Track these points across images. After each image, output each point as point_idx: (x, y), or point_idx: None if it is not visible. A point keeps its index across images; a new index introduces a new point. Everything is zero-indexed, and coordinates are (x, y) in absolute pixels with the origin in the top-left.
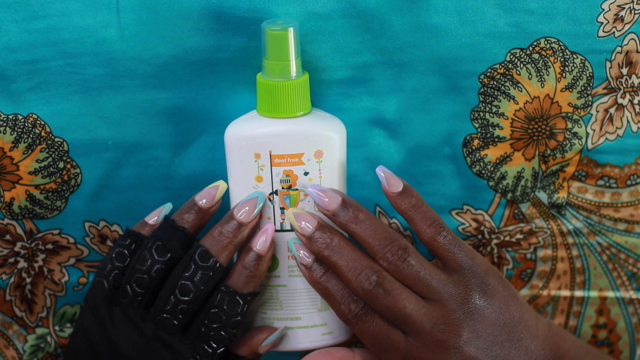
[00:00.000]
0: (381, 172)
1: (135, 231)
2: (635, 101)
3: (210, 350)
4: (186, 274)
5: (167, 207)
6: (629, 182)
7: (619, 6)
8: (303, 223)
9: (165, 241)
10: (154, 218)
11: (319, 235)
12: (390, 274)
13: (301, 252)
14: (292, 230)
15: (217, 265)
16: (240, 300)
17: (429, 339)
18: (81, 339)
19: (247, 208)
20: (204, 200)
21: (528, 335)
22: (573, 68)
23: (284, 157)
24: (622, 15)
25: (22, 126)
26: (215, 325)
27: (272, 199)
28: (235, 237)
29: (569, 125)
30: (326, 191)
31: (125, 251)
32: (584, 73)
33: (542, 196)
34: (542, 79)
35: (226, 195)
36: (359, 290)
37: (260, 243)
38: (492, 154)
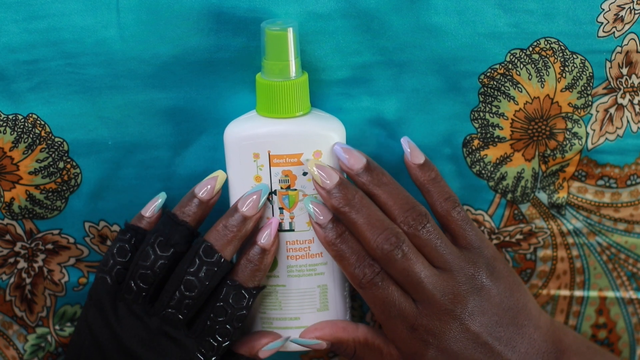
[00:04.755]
0: (406, 143)
1: (134, 225)
2: (635, 101)
3: (216, 344)
4: (191, 270)
5: (161, 197)
6: (629, 182)
7: (619, 6)
8: (325, 175)
9: (167, 236)
10: (149, 209)
11: (339, 190)
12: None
13: (317, 210)
14: (290, 230)
15: (222, 260)
16: (246, 294)
17: (437, 307)
18: (85, 333)
19: (251, 200)
20: (204, 192)
21: (531, 324)
22: (573, 68)
23: (283, 157)
24: (622, 15)
25: (22, 126)
26: (220, 319)
27: (271, 199)
28: (240, 231)
29: (569, 125)
30: (352, 150)
31: (126, 245)
32: (584, 73)
33: (542, 196)
34: (542, 79)
35: (226, 194)
36: (377, 250)
37: (264, 237)
38: (492, 154)
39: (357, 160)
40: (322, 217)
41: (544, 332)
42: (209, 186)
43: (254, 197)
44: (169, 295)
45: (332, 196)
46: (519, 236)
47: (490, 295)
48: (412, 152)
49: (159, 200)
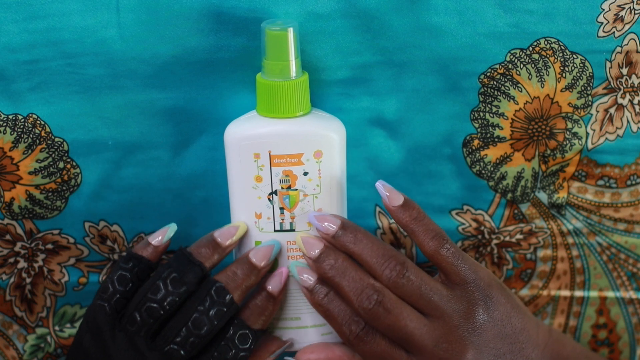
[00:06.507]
0: (381, 186)
1: (137, 254)
2: (635, 101)
3: None
4: (201, 308)
5: (171, 229)
6: (629, 182)
7: (619, 6)
8: (310, 247)
9: (181, 273)
10: (157, 238)
11: (324, 258)
12: (391, 291)
13: (304, 275)
14: (290, 230)
15: (232, 302)
16: (250, 335)
17: (431, 358)
18: (81, 359)
19: (262, 254)
20: (223, 238)
21: (529, 345)
22: (573, 68)
23: (284, 157)
24: (622, 15)
25: (22, 126)
26: (223, 358)
27: (271, 198)
28: (249, 279)
29: (569, 125)
30: (325, 216)
31: (128, 275)
32: (584, 73)
33: (542, 196)
34: (542, 79)
35: (226, 194)
36: (360, 309)
37: (273, 284)
38: (492, 154)
39: (332, 223)
40: (309, 281)
41: (542, 349)
42: (228, 233)
43: (265, 251)
44: (174, 332)
45: (318, 264)
46: (519, 236)
47: (487, 329)
48: (390, 195)
49: (169, 230)
